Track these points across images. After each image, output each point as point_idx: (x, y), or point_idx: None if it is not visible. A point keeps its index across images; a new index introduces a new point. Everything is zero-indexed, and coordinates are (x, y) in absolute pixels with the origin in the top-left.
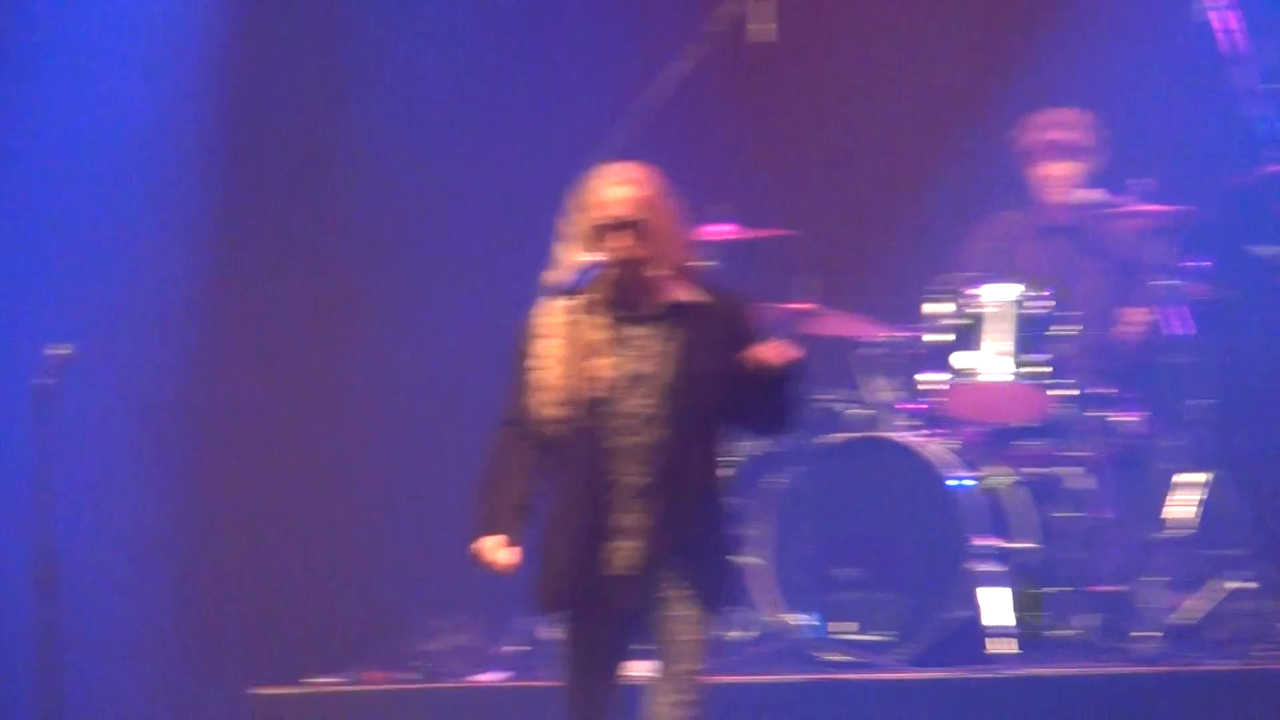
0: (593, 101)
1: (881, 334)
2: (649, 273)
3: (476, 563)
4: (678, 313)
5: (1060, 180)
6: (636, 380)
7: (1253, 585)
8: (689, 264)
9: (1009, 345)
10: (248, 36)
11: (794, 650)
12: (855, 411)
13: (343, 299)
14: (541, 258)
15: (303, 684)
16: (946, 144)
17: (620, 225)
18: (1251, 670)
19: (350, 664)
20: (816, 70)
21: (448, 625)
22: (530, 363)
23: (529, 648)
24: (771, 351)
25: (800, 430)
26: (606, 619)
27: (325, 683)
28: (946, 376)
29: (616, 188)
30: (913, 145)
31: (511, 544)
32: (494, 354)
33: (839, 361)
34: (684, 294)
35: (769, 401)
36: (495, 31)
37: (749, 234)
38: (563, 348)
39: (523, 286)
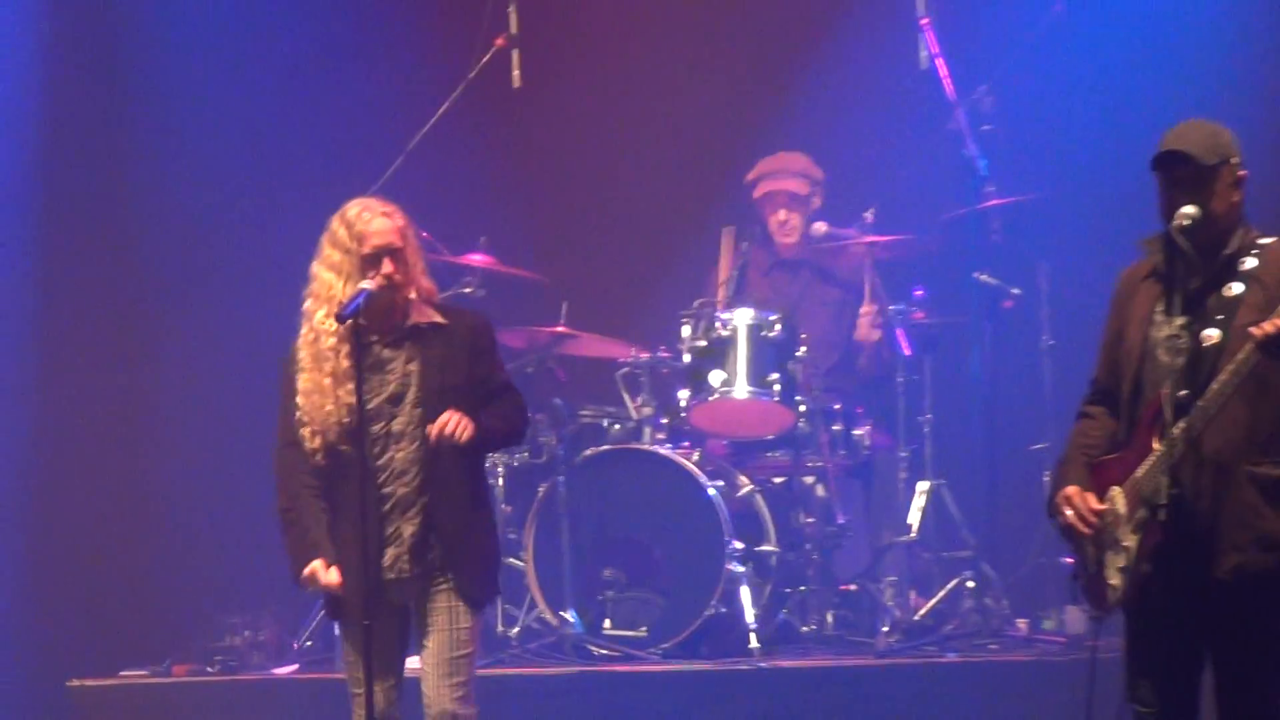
0: (368, 139)
1: (641, 355)
2: (405, 297)
3: (308, 587)
4: (421, 334)
5: (793, 217)
6: (392, 400)
7: (971, 584)
8: (430, 290)
9: (750, 366)
10: (51, 55)
11: (560, 645)
12: (617, 426)
13: (152, 318)
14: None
15: (118, 676)
16: (686, 185)
17: (388, 252)
18: (976, 662)
19: (161, 658)
20: (568, 115)
21: (248, 623)
22: (293, 393)
23: (314, 643)
24: (449, 426)
25: (565, 442)
26: (385, 618)
27: (138, 675)
28: (698, 394)
29: (380, 218)
30: (663, 184)
31: (330, 563)
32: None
33: (601, 380)
34: (426, 317)
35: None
36: (278, 72)
37: (508, 268)
38: (318, 377)
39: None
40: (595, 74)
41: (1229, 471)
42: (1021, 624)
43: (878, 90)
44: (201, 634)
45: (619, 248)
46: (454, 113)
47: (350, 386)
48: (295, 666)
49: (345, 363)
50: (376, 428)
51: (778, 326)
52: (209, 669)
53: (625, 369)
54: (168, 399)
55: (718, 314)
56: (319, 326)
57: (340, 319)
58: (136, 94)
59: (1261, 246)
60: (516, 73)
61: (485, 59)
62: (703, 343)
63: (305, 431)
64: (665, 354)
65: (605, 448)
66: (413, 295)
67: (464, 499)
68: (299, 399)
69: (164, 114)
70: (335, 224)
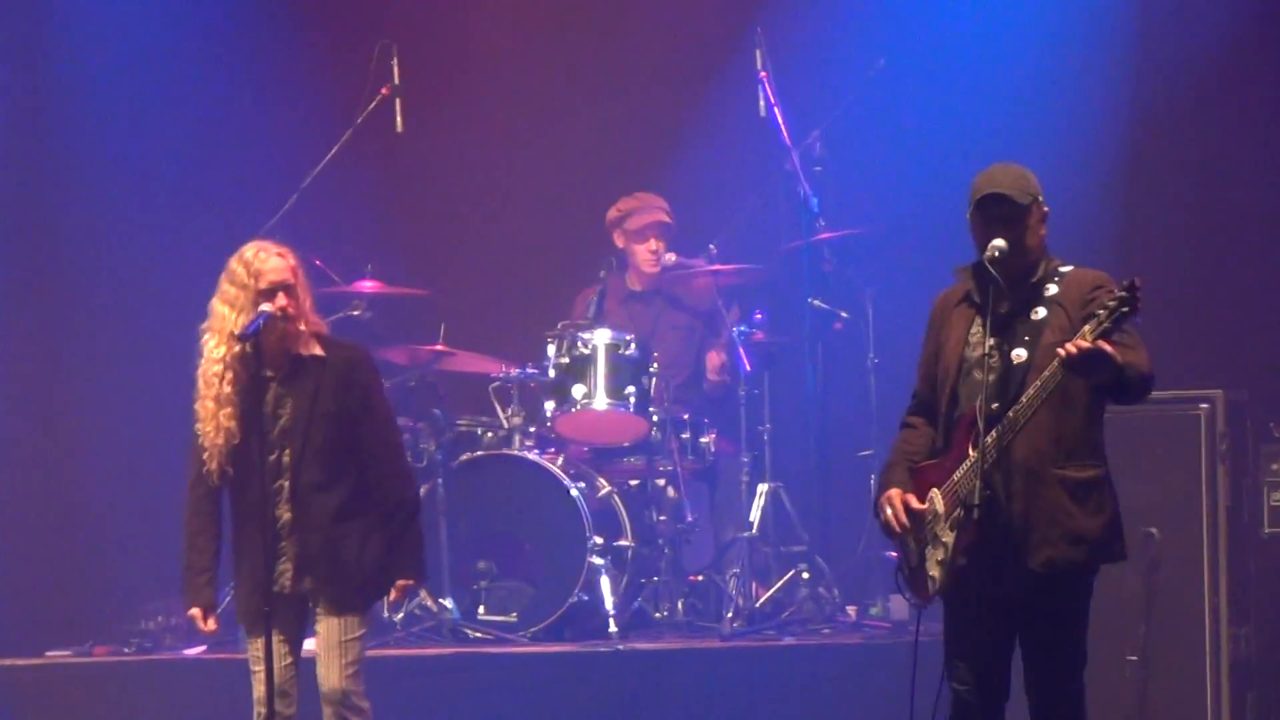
0: (267, 176)
1: (511, 370)
2: (296, 330)
3: (192, 626)
4: (303, 366)
5: (654, 251)
6: (277, 429)
7: (806, 576)
8: (318, 325)
9: (608, 381)
10: None
11: (440, 629)
12: (490, 434)
13: (78, 320)
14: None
15: (44, 656)
16: (557, 218)
17: (283, 287)
18: (810, 645)
19: (83, 640)
20: (446, 157)
21: (161, 608)
22: (197, 415)
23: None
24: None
25: (443, 448)
26: (283, 607)
27: (62, 655)
28: (562, 405)
29: (275, 258)
30: (531, 219)
31: (208, 612)
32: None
33: (476, 392)
34: (309, 349)
35: None
36: (187, 119)
37: (391, 290)
38: (207, 402)
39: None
40: (470, 120)
41: (1038, 475)
42: (851, 611)
43: (721, 135)
44: (119, 618)
45: (491, 275)
46: (344, 154)
47: (230, 410)
48: (203, 648)
49: (228, 389)
50: (270, 458)
51: (632, 346)
52: (126, 650)
53: (497, 383)
54: (91, 404)
55: (579, 335)
56: (210, 355)
57: (242, 338)
58: (57, 126)
59: (1062, 274)
60: (400, 118)
61: (372, 106)
62: (566, 360)
63: (204, 454)
64: (533, 370)
65: (479, 453)
66: (302, 328)
67: (332, 525)
68: (195, 425)
69: (84, 144)
70: (233, 263)
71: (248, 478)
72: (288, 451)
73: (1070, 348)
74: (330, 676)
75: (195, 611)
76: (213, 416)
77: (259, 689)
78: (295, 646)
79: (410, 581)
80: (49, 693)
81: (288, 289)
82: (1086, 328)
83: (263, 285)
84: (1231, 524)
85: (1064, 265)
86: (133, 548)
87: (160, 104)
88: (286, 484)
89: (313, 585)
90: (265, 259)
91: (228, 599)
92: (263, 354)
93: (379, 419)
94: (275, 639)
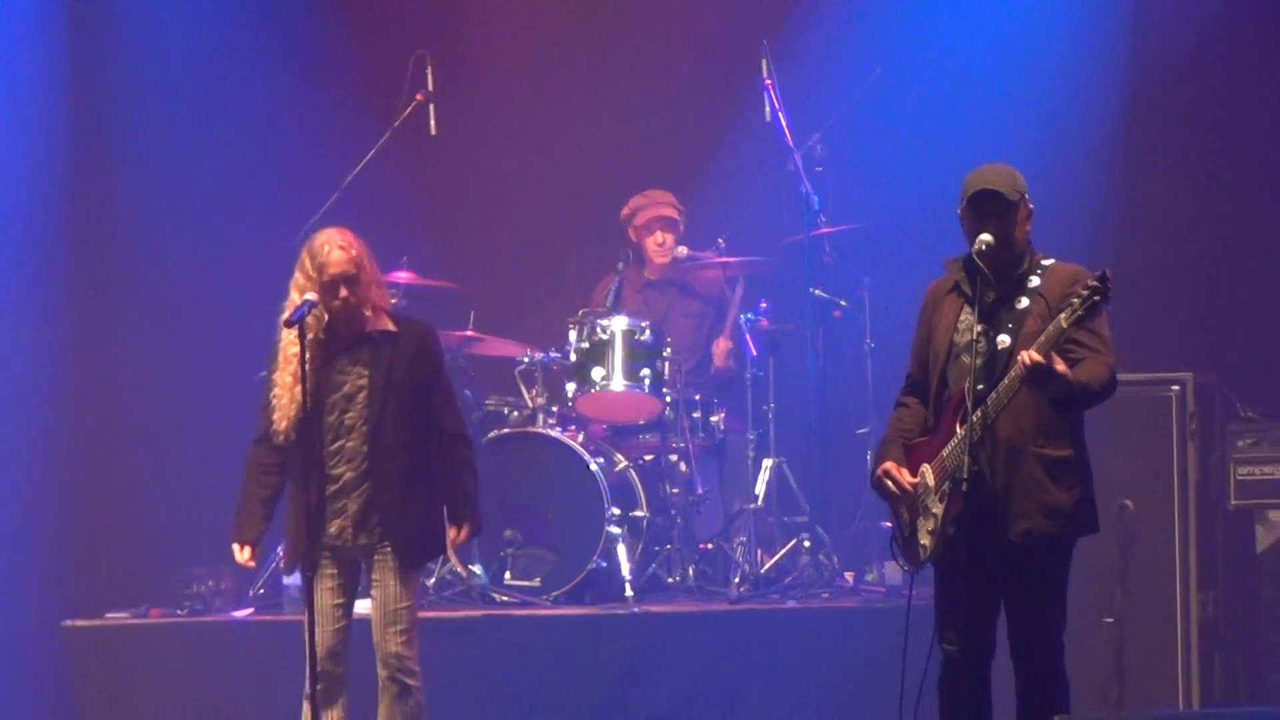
0: (313, 175)
1: (536, 354)
2: (362, 312)
3: (234, 559)
4: (374, 341)
5: (660, 244)
6: (346, 398)
7: (807, 544)
8: (384, 302)
9: (625, 364)
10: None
11: (469, 593)
12: (515, 413)
13: (141, 311)
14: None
15: (104, 618)
16: (577, 214)
17: (344, 279)
18: (811, 608)
19: (140, 602)
20: (475, 158)
21: (211, 572)
22: (267, 387)
23: (265, 591)
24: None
25: (473, 426)
26: (337, 573)
27: (120, 617)
28: (582, 386)
29: (338, 250)
30: (553, 214)
31: (253, 547)
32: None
33: (503, 375)
34: (380, 325)
35: None
36: (241, 122)
37: (425, 281)
38: (289, 375)
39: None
40: (498, 124)
41: (1019, 452)
42: (849, 577)
43: (730, 138)
44: (173, 582)
45: (517, 265)
46: (382, 156)
47: (295, 381)
48: (251, 610)
49: (296, 364)
50: (330, 419)
51: (647, 332)
52: (179, 612)
53: (522, 366)
54: (147, 384)
55: (598, 321)
56: (285, 336)
57: (289, 324)
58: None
59: (1045, 267)
60: (433, 123)
61: (407, 111)
62: (586, 345)
63: (275, 417)
64: (555, 354)
65: (506, 431)
66: (368, 313)
67: (402, 482)
68: (271, 393)
69: (135, 145)
70: (304, 254)
71: (310, 442)
72: (349, 415)
73: (1024, 359)
74: (386, 641)
75: (237, 545)
76: (287, 388)
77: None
78: (348, 609)
79: (469, 526)
80: (108, 651)
81: (349, 280)
82: (1062, 315)
83: (325, 278)
84: (1200, 497)
85: (1046, 259)
86: (184, 515)
87: (209, 108)
88: (347, 444)
89: (375, 541)
90: (329, 251)
91: (275, 562)
92: (337, 333)
93: (445, 389)
94: (330, 600)
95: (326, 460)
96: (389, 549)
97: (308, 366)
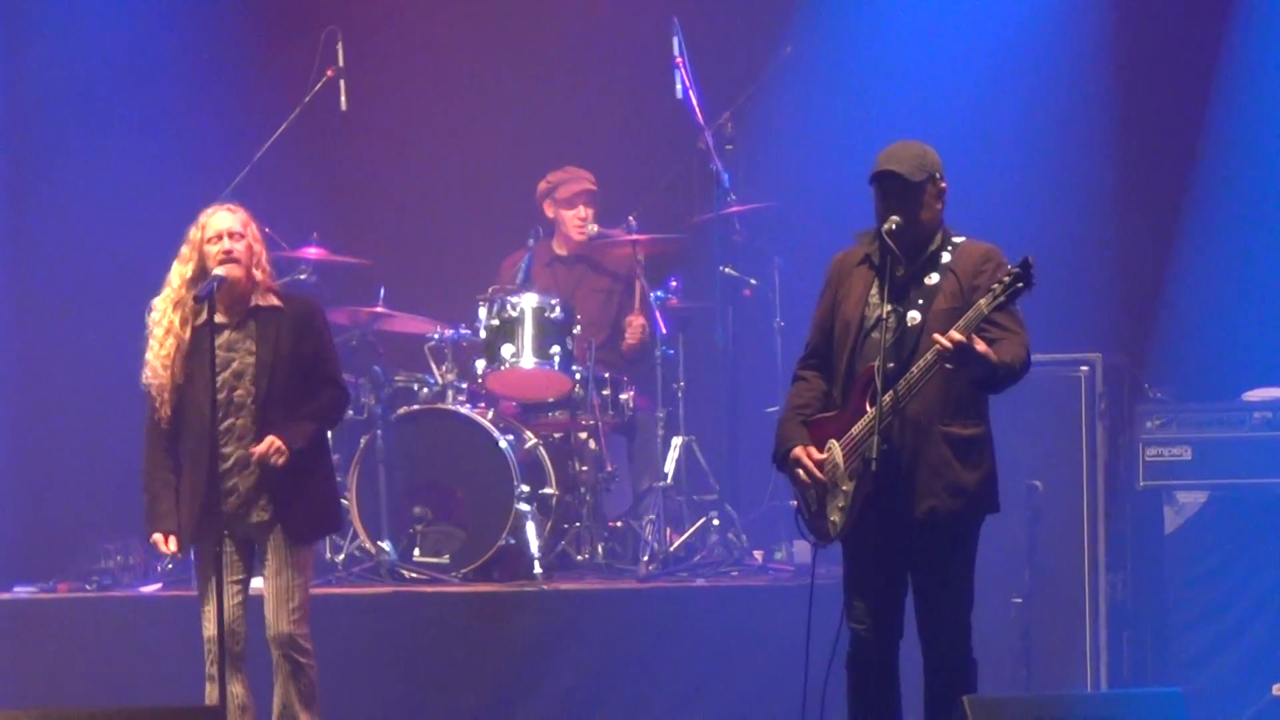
0: (222, 151)
1: (446, 330)
2: (246, 282)
3: (156, 549)
4: (260, 315)
5: (573, 220)
6: (235, 375)
7: (716, 522)
8: (269, 277)
9: (535, 341)
10: None
11: (378, 569)
12: (425, 389)
13: (55, 287)
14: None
15: (12, 592)
16: (487, 191)
17: (228, 232)
18: (720, 586)
19: (48, 577)
20: (385, 133)
21: (119, 548)
22: (144, 374)
23: (173, 566)
24: (268, 453)
25: (382, 402)
26: (231, 549)
27: (28, 591)
28: (492, 363)
29: (223, 211)
30: (463, 191)
31: (176, 536)
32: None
33: (412, 351)
34: (266, 301)
35: None
36: (150, 99)
37: (335, 257)
38: (168, 351)
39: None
40: (408, 101)
41: (927, 431)
42: (757, 555)
43: (640, 116)
44: (81, 557)
45: (427, 242)
46: (292, 131)
47: (173, 356)
48: (159, 585)
49: (172, 338)
50: (220, 397)
51: (557, 309)
52: (87, 587)
53: (432, 342)
54: (56, 362)
55: (508, 298)
56: (159, 308)
57: (198, 300)
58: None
59: (955, 244)
60: (344, 98)
61: (318, 87)
62: (496, 321)
63: (154, 400)
64: (465, 330)
65: (416, 407)
66: (258, 276)
67: (292, 459)
68: (145, 371)
69: (54, 128)
70: (190, 228)
71: (193, 419)
72: (238, 391)
73: (944, 341)
74: (279, 621)
75: (158, 537)
76: (165, 364)
77: (209, 628)
78: (245, 585)
79: (282, 444)
80: (15, 626)
81: (233, 235)
82: (983, 300)
83: (209, 235)
84: (1109, 477)
85: (957, 236)
86: (92, 491)
87: (119, 86)
88: (237, 422)
89: (266, 519)
90: (213, 213)
91: None
92: (216, 305)
93: (331, 360)
94: (227, 578)
95: (217, 438)
96: (280, 527)
97: (186, 344)
